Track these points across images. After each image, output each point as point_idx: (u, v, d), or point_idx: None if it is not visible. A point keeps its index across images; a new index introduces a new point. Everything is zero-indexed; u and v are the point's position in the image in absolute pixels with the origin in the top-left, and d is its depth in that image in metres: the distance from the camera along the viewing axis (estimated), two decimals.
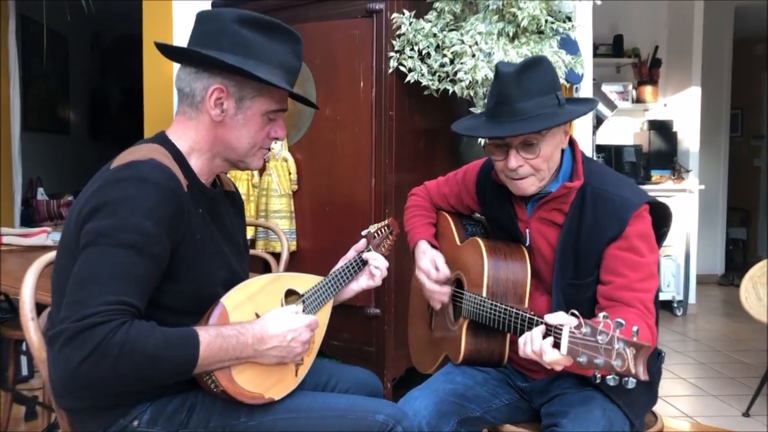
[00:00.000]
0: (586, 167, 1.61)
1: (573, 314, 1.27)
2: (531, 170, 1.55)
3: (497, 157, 1.58)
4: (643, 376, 1.17)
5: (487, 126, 1.56)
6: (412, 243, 1.91)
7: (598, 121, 4.04)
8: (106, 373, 1.13)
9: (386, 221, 1.89)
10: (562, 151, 1.62)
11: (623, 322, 1.19)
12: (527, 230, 1.67)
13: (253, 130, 1.41)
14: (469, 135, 1.64)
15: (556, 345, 1.28)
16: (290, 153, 2.86)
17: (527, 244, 1.67)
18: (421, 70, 2.61)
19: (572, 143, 1.64)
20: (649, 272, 1.51)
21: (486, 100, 1.60)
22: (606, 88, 5.33)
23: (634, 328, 1.19)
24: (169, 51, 1.43)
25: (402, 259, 2.02)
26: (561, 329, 1.27)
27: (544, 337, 1.31)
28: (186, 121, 1.41)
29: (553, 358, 1.28)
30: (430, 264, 1.82)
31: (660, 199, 1.65)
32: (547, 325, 1.33)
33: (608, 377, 1.19)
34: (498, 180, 1.67)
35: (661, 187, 5.17)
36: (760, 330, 4.54)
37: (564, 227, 1.58)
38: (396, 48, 2.62)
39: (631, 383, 1.18)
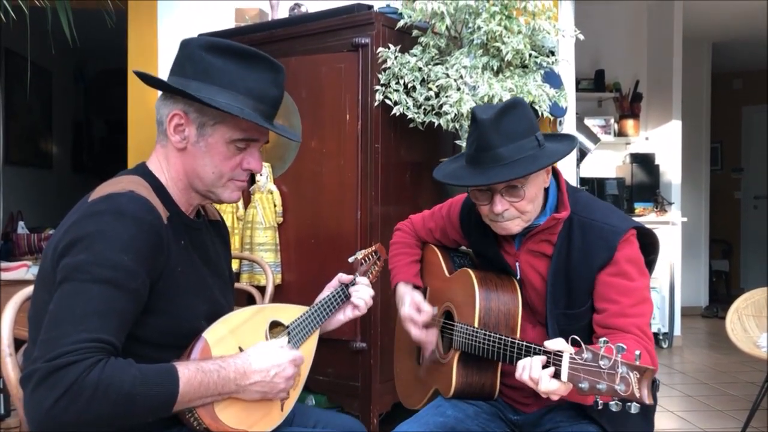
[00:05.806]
0: (572, 197, 1.61)
1: (574, 339, 1.26)
2: (517, 213, 1.54)
3: (482, 202, 1.57)
4: (648, 400, 1.15)
5: (470, 174, 1.55)
6: (393, 284, 1.92)
7: (582, 154, 4.09)
8: (81, 413, 1.09)
9: (373, 247, 1.87)
10: None
11: (625, 346, 1.18)
12: (517, 264, 1.66)
13: (218, 159, 1.36)
14: (453, 184, 1.63)
15: (556, 375, 1.26)
16: (275, 185, 2.84)
17: (518, 278, 1.66)
18: (407, 103, 2.62)
19: (556, 174, 1.64)
20: (641, 296, 1.51)
21: (465, 145, 1.60)
22: (588, 122, 5.39)
23: (637, 352, 1.18)
24: (144, 79, 1.42)
25: (388, 291, 2.01)
26: (561, 356, 1.25)
27: (544, 367, 1.29)
28: (160, 149, 1.39)
29: (549, 387, 1.27)
30: (412, 308, 1.80)
31: None
32: (545, 351, 1.31)
33: (611, 403, 1.18)
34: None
35: (644, 220, 5.20)
36: (746, 362, 4.55)
37: (553, 257, 1.58)
38: (382, 81, 2.63)
39: (635, 408, 1.16)
